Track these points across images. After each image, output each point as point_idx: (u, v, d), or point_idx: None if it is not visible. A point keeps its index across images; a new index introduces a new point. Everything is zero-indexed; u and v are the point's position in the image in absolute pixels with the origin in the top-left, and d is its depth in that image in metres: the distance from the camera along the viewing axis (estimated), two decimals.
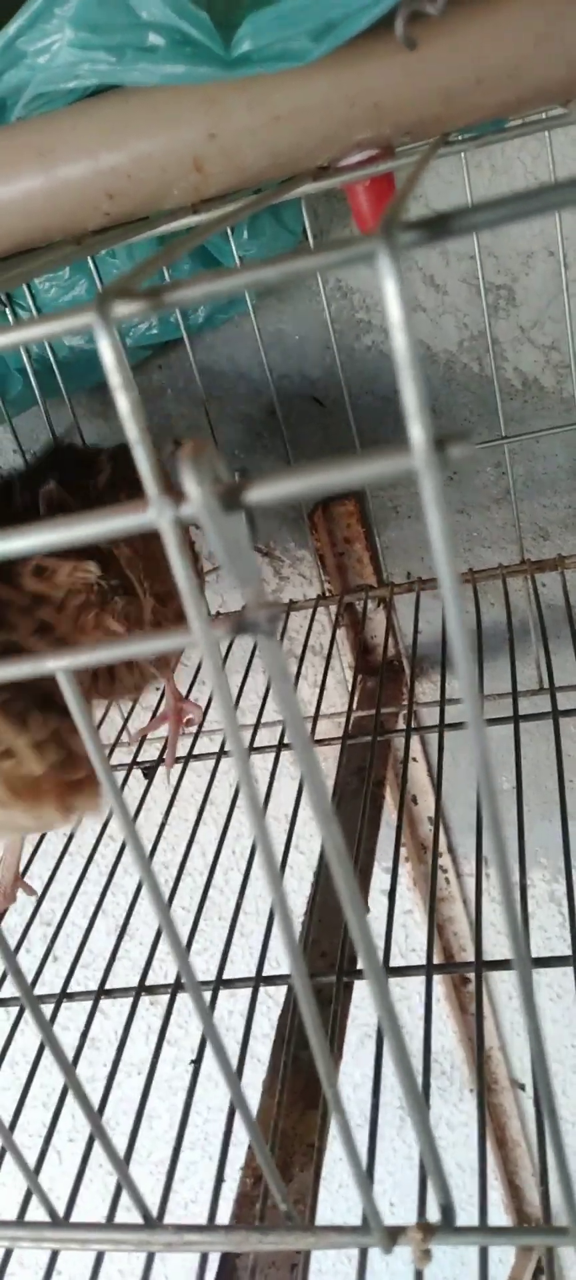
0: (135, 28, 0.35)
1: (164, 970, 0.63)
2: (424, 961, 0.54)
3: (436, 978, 1.25)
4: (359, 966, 0.60)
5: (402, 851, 1.13)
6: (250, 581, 0.21)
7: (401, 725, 0.77)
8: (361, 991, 0.58)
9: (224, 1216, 0.50)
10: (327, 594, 0.89)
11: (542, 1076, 0.25)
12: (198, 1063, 0.52)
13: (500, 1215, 1.48)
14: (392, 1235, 0.31)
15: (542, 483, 0.83)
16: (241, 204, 0.34)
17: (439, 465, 0.17)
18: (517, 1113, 1.38)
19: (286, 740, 0.77)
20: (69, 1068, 0.32)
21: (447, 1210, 0.31)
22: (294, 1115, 0.56)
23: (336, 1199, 1.44)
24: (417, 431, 0.17)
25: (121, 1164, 0.33)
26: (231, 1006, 1.30)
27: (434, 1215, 0.32)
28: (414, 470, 0.18)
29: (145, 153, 0.40)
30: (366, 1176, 0.30)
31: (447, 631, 0.20)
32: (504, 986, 1.27)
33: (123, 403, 0.18)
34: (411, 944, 1.21)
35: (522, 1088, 1.37)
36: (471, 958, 1.22)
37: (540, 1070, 0.25)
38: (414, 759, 1.04)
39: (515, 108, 0.39)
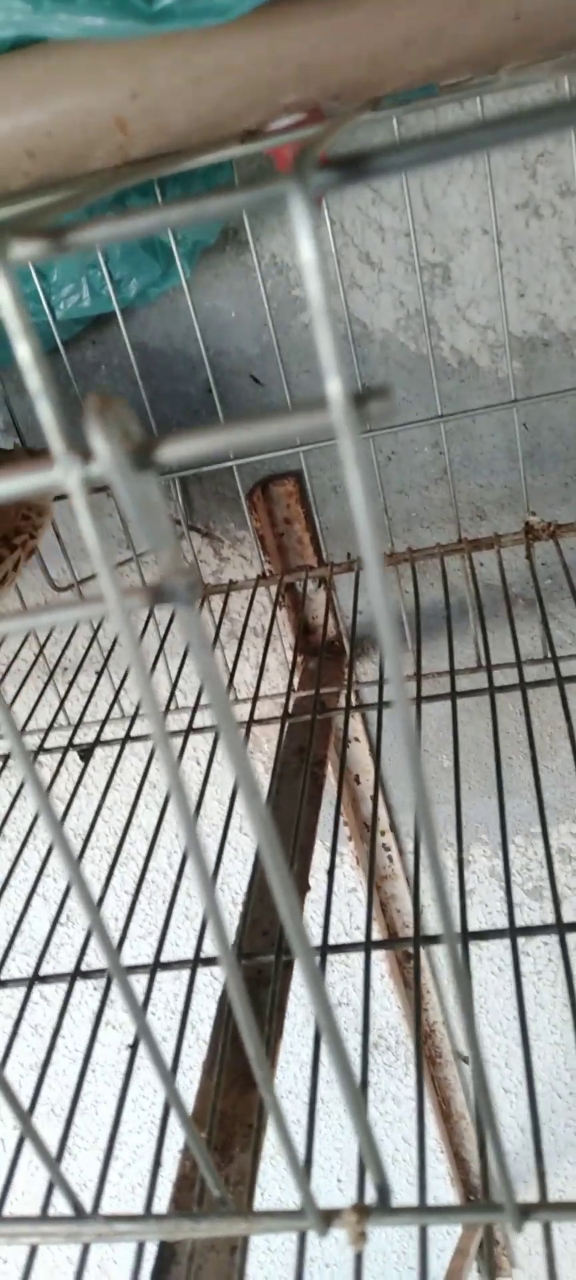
0: None
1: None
2: (373, 939, 0.54)
3: (380, 955, 1.26)
4: None
5: (345, 830, 1.13)
6: (165, 546, 0.20)
7: (342, 704, 0.77)
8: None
9: (163, 1200, 0.49)
10: (268, 574, 0.88)
11: (474, 1053, 0.25)
12: (134, 1048, 0.51)
13: (446, 1188, 1.50)
14: (327, 1218, 0.30)
15: (479, 463, 0.83)
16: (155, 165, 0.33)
17: (358, 422, 0.17)
18: (461, 1085, 1.39)
19: None
20: None
21: (383, 1191, 0.30)
22: (233, 1095, 0.56)
23: (285, 1178, 1.44)
24: (334, 385, 0.16)
25: (49, 1155, 0.32)
26: (177, 990, 1.30)
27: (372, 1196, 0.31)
28: (331, 427, 0.17)
29: (66, 110, 0.39)
30: (299, 1159, 0.30)
31: (374, 604, 0.20)
32: (447, 961, 1.29)
33: (23, 350, 0.17)
34: (355, 921, 1.22)
35: (466, 1060, 1.39)
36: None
37: (472, 1047, 0.24)
38: (356, 739, 1.04)
39: (444, 73, 0.39)
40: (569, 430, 0.78)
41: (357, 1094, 0.28)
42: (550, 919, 1.22)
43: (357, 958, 0.53)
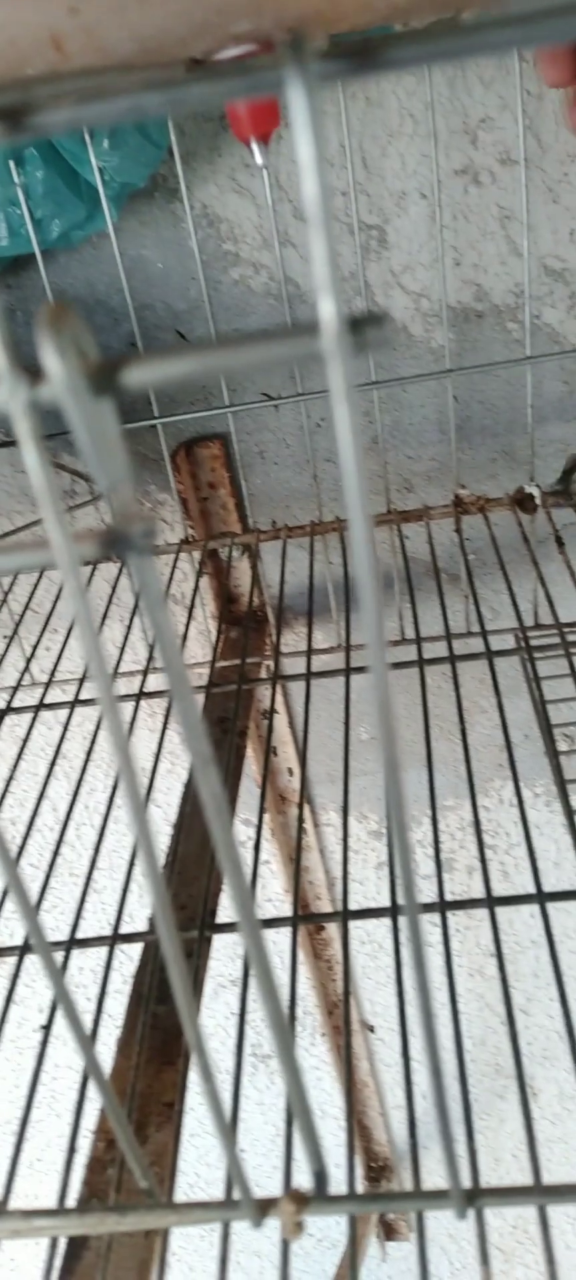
0: None
1: (10, 930, 0.59)
2: (284, 913, 0.53)
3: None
4: (218, 921, 0.58)
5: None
6: (121, 485, 0.18)
7: (265, 675, 0.76)
8: (216, 943, 0.57)
9: (75, 1182, 0.47)
10: (190, 540, 0.86)
11: (428, 1035, 0.23)
12: (48, 1028, 0.48)
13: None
14: (263, 1208, 0.29)
15: (408, 434, 0.82)
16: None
17: (353, 350, 0.15)
18: (367, 1054, 1.41)
19: (146, 690, 0.73)
20: None
21: (321, 1178, 0.29)
22: (150, 1073, 0.54)
23: (186, 1148, 1.43)
24: (328, 308, 0.15)
25: None
26: (82, 964, 1.27)
27: (305, 1181, 0.30)
28: (321, 354, 0.15)
29: None
30: (234, 1146, 0.28)
31: (357, 555, 0.18)
32: (356, 933, 1.30)
33: None
34: (267, 894, 1.21)
35: (372, 1029, 1.40)
36: (327, 907, 1.23)
37: (426, 1028, 0.23)
38: (275, 710, 1.03)
39: (407, 12, 0.37)
40: (499, 404, 0.77)
41: (299, 1074, 0.27)
42: (460, 891, 1.24)
43: (269, 931, 0.52)
